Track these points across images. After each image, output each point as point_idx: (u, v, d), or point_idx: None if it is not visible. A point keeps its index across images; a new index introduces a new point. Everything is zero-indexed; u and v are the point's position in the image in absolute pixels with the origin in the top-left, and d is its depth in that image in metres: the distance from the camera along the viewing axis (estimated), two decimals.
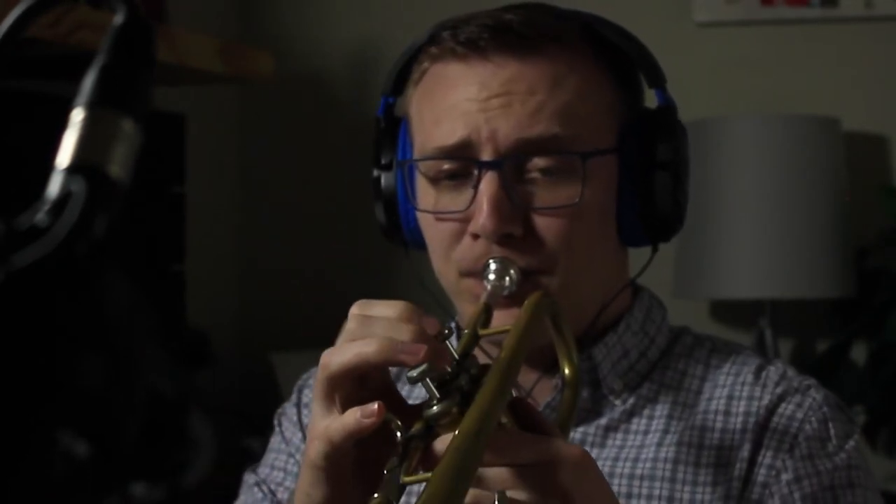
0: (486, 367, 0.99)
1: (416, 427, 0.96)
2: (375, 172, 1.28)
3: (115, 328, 0.48)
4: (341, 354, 0.98)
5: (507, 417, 0.98)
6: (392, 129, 1.27)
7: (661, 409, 1.23)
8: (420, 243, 1.25)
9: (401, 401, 1.04)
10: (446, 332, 0.99)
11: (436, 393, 0.95)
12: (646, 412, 1.23)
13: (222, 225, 3.21)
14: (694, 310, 2.98)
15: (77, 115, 0.54)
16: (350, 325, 1.01)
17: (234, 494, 1.33)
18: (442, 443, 0.94)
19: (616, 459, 1.20)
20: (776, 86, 3.00)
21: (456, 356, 0.98)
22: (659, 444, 1.20)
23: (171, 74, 2.46)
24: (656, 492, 1.18)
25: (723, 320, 3.03)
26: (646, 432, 1.22)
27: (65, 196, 0.50)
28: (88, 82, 0.56)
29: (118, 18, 0.57)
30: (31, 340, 0.45)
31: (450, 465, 0.86)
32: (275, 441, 1.34)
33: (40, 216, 0.49)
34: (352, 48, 3.19)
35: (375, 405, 0.95)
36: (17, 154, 1.98)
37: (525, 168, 1.16)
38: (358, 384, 1.00)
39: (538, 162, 1.15)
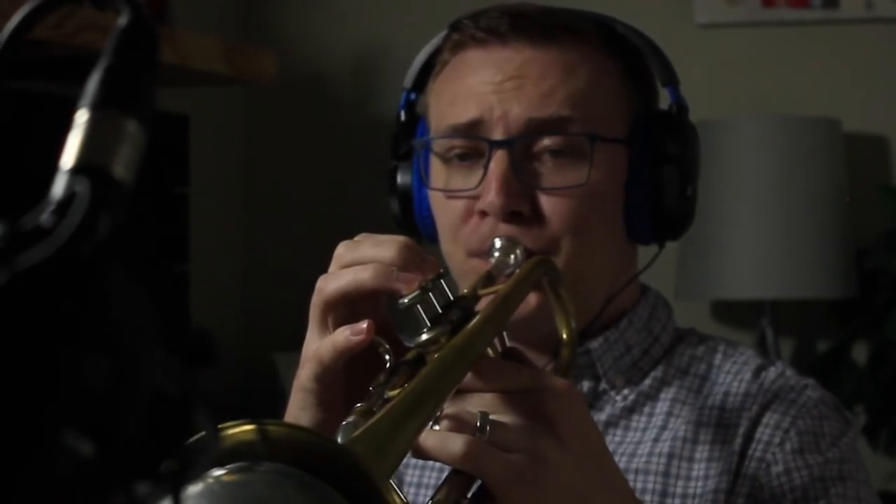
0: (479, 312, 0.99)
1: (407, 355, 0.96)
2: (393, 164, 1.30)
3: (119, 328, 0.48)
4: (337, 279, 1.00)
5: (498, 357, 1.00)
6: (411, 125, 1.29)
7: (661, 406, 1.24)
8: (431, 235, 1.27)
9: (395, 337, 1.05)
10: (441, 271, 1.00)
11: (426, 321, 0.96)
12: (646, 409, 1.24)
13: (226, 225, 3.21)
14: (695, 310, 2.98)
15: (81, 116, 0.55)
16: (340, 250, 1.03)
17: None
18: None
19: (613, 454, 1.20)
20: (777, 87, 3.00)
21: (451, 296, 0.99)
22: (655, 440, 1.21)
23: (175, 75, 2.46)
24: (650, 486, 1.19)
25: (724, 321, 3.03)
26: (644, 429, 1.23)
27: (69, 197, 0.50)
28: (93, 83, 0.56)
29: (122, 20, 0.57)
30: (36, 341, 0.46)
31: (431, 370, 0.87)
32: None
33: (44, 217, 0.49)
34: (355, 49, 3.19)
35: (365, 323, 0.97)
36: (22, 154, 1.99)
37: (534, 149, 1.18)
38: (352, 311, 1.00)
39: (547, 142, 1.18)
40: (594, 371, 1.24)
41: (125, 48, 0.57)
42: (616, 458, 1.20)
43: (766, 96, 3.00)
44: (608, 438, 1.22)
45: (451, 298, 0.98)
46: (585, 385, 1.24)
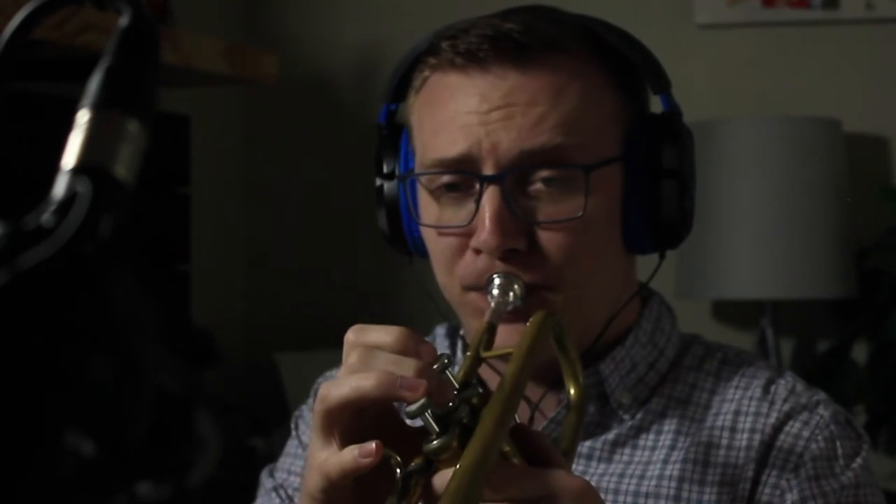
0: (487, 396, 0.97)
1: (416, 462, 0.95)
2: (378, 181, 1.25)
3: (120, 328, 0.48)
4: (339, 388, 0.96)
5: (509, 445, 0.96)
6: (394, 137, 1.24)
7: (668, 425, 1.21)
8: (424, 251, 1.23)
9: (403, 427, 1.02)
10: (446, 361, 0.97)
11: (435, 427, 0.93)
12: (654, 427, 1.21)
13: (227, 225, 3.21)
14: (696, 310, 2.98)
15: (83, 117, 0.55)
16: (350, 359, 0.99)
17: (240, 493, 1.33)
18: (441, 478, 0.93)
19: (622, 475, 1.18)
20: (777, 87, 3.00)
21: (456, 385, 0.96)
22: (665, 461, 1.18)
23: (177, 76, 2.46)
24: None
25: (724, 321, 3.03)
26: (653, 448, 1.20)
27: (71, 197, 0.51)
28: (94, 84, 0.56)
29: (124, 20, 0.58)
30: (37, 340, 0.46)
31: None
32: (291, 445, 1.32)
33: (46, 217, 0.50)
34: (357, 50, 3.19)
35: (373, 445, 0.94)
36: (23, 155, 1.99)
37: (527, 181, 1.13)
38: (357, 415, 0.98)
39: (541, 174, 1.13)
40: (601, 390, 1.21)
41: (126, 49, 0.57)
42: (625, 480, 1.17)
43: (766, 96, 3.00)
44: (615, 458, 1.20)
45: (457, 388, 0.96)
46: (592, 406, 1.21)
